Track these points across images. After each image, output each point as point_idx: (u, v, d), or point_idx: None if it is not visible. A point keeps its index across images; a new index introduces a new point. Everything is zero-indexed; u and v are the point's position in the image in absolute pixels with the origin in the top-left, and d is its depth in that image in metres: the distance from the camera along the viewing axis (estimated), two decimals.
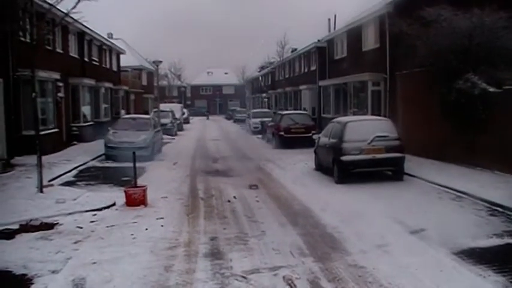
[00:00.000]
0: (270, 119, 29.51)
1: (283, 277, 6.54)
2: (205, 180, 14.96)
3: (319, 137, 16.68)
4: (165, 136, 26.67)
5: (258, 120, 34.95)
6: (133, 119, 23.08)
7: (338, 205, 11.06)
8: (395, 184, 13.52)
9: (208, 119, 68.79)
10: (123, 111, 37.19)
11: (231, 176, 15.80)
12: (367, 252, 7.52)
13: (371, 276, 6.49)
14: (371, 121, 15.25)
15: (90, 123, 28.34)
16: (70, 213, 10.26)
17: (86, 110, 28.16)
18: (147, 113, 33.52)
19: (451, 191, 12.07)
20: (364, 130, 13.88)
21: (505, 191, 11.14)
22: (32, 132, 12.53)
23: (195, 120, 61.88)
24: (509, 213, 9.77)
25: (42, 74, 19.24)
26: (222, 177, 15.55)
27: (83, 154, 20.50)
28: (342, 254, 7.49)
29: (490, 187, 11.70)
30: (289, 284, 6.30)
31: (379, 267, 6.80)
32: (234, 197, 12.22)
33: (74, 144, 24.69)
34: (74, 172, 16.62)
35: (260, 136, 31.40)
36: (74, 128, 26.04)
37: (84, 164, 18.37)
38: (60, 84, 23.63)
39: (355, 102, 25.83)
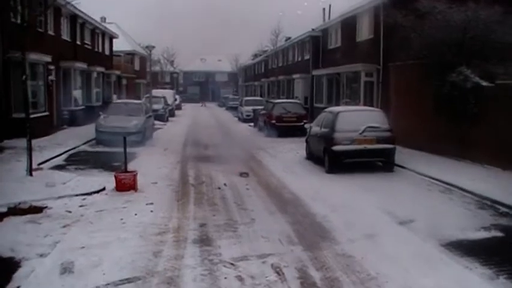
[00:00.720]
0: (262, 107, 29.45)
1: (272, 265, 6.58)
2: (196, 167, 14.94)
3: (310, 127, 16.73)
4: (156, 122, 26.55)
5: (250, 108, 34.92)
6: (125, 104, 22.96)
7: (328, 194, 11.07)
8: (385, 175, 13.57)
9: (204, 106, 68.51)
10: (114, 96, 36.99)
11: (222, 163, 15.75)
12: (355, 242, 7.56)
13: (359, 266, 6.54)
14: (363, 112, 15.30)
15: (82, 107, 28.18)
16: (59, 197, 10.22)
17: (77, 94, 27.97)
18: (139, 99, 33.37)
19: (441, 184, 12.13)
20: (356, 120, 13.90)
21: (494, 185, 11.22)
22: (22, 115, 12.41)
23: (187, 107, 61.70)
24: (497, 206, 9.84)
25: (33, 56, 19.10)
26: (212, 164, 15.54)
27: (73, 138, 20.40)
28: (330, 243, 7.52)
29: (479, 180, 11.75)
30: (277, 272, 6.33)
31: (367, 257, 6.84)
32: (225, 184, 12.21)
33: (65, 128, 24.57)
34: (64, 156, 16.55)
35: (252, 124, 31.36)
36: (65, 112, 25.89)
37: (74, 148, 18.30)
38: (52, 67, 23.45)
39: (348, 92, 25.86)
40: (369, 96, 23.02)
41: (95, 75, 31.72)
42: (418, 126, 17.15)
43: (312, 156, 16.07)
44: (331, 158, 13.87)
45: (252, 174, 13.88)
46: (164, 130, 27.79)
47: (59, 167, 14.21)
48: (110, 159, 15.34)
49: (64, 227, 8.31)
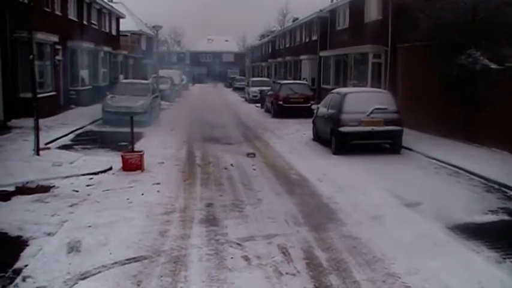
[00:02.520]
0: (269, 88, 29.36)
1: (278, 245, 6.59)
2: (203, 147, 14.94)
3: (317, 108, 16.68)
4: (163, 102, 26.56)
5: (257, 89, 34.82)
6: (132, 84, 22.92)
7: (335, 176, 11.05)
8: (392, 157, 13.54)
9: (215, 87, 68.37)
10: (121, 76, 36.90)
11: (229, 144, 15.80)
12: (362, 224, 7.57)
13: (365, 248, 6.53)
14: (370, 93, 15.23)
15: (88, 87, 28.14)
16: (66, 177, 10.24)
17: (84, 74, 27.89)
18: (145, 79, 33.25)
19: (448, 166, 12.08)
20: (364, 102, 13.85)
21: (501, 168, 11.18)
22: (29, 95, 12.44)
23: (194, 87, 61.64)
24: (505, 190, 9.79)
25: (40, 36, 19.07)
26: (219, 145, 15.55)
27: (80, 118, 20.42)
28: (336, 225, 7.52)
29: (487, 164, 11.69)
30: (283, 252, 6.34)
31: (373, 239, 6.84)
32: (231, 165, 12.19)
33: (72, 108, 24.57)
34: (71, 136, 16.59)
35: (259, 105, 31.31)
36: (72, 92, 25.89)
37: (81, 128, 18.32)
38: (59, 47, 23.38)
39: (355, 74, 25.67)
40: (376, 78, 22.87)
41: (101, 55, 31.63)
42: (426, 109, 17.03)
43: (319, 138, 16.06)
44: (338, 140, 13.86)
45: (258, 155, 13.87)
46: (171, 110, 27.73)
47: (66, 147, 14.24)
48: (117, 139, 15.32)
49: (71, 206, 8.32)
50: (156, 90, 23.62)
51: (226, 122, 22.73)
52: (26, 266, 5.80)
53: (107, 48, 32.51)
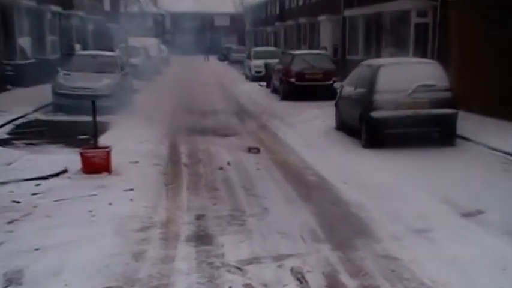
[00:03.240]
0: (278, 60, 29.47)
1: (291, 269, 6.62)
2: (191, 141, 15.10)
3: (342, 86, 16.75)
4: (135, 82, 26.58)
5: (261, 62, 34.99)
6: (93, 57, 22.97)
7: (365, 176, 11.15)
8: (443, 150, 13.55)
9: (207, 60, 68.33)
10: (78, 46, 36.76)
11: (225, 136, 16.00)
12: (402, 239, 7.61)
13: (408, 271, 6.54)
14: (413, 65, 15.25)
15: (31, 61, 28.06)
16: (2, 183, 10.22)
17: (24, 42, 27.86)
18: (111, 50, 33.15)
19: None
20: (404, 77, 13.86)
21: None
22: None
23: (177, 61, 61.42)
24: None
25: None
26: (212, 137, 15.75)
27: (20, 103, 20.45)
28: (369, 241, 7.56)
29: None
30: (299, 279, 6.36)
31: (418, 260, 6.85)
32: (228, 164, 12.34)
33: (8, 89, 24.64)
34: (9, 127, 16.67)
35: (264, 84, 31.49)
36: (8, 68, 25.75)
37: (23, 116, 18.41)
38: None
39: (393, 39, 25.65)
40: (421, 44, 22.79)
41: (48, 16, 31.47)
42: (489, 84, 17.01)
43: (344, 126, 16.20)
44: (370, 128, 13.96)
45: (264, 149, 14.00)
46: (147, 92, 27.76)
47: (1, 142, 14.26)
48: (74, 131, 15.36)
49: (10, 223, 8.26)
50: (126, 66, 23.73)
51: (221, 106, 22.83)
52: None
53: (55, 8, 32.24)
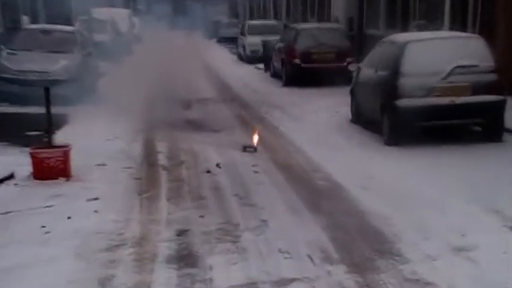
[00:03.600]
0: (279, 37, 29.27)
1: None
2: (171, 138, 14.98)
3: (359, 68, 16.61)
4: (102, 64, 26.39)
5: (258, 39, 34.80)
6: (46, 32, 22.53)
7: (388, 180, 10.99)
8: (487, 148, 13.31)
9: (190, 36, 68.27)
10: (25, 18, 36.22)
11: (213, 131, 15.92)
12: (437, 260, 7.43)
13: None
14: (449, 40, 14.96)
15: None
16: None
17: None
18: (69, 24, 32.75)
19: None
20: (437, 56, 13.64)
21: None
22: None
23: (152, 37, 61.09)
24: None
25: None
26: (197, 133, 15.67)
27: None
28: (394, 261, 7.41)
29: None
30: None
31: (457, 285, 6.73)
32: (218, 165, 12.18)
33: None
34: None
35: (261, 66, 31.50)
36: None
37: None
38: None
39: (423, 8, 25.59)
40: (459, 14, 22.59)
41: None
42: None
43: (362, 119, 16.07)
44: (394, 121, 13.72)
45: (262, 148, 13.79)
46: (115, 77, 26.91)
47: None
48: (22, 127, 15.14)
49: None
50: (90, 44, 23.58)
51: (208, 94, 22.87)
52: None
53: None
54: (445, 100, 13.32)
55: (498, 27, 18.97)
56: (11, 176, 11.00)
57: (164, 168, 12.20)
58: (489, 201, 9.51)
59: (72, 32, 22.93)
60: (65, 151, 11.15)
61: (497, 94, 13.60)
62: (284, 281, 6.87)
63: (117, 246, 7.99)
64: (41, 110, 11.69)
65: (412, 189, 10.38)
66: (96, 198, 9.94)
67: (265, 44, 31.80)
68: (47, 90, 11.40)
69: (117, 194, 10.35)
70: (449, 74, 13.36)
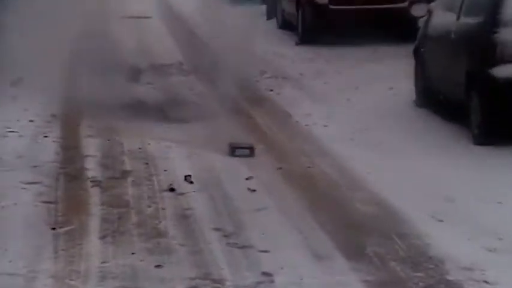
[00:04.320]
0: None
1: None
2: (108, 131, 14.29)
3: (430, 12, 16.39)
4: None
5: None
6: None
7: (480, 206, 9.91)
8: None
9: None
10: None
11: (181, 121, 15.18)
12: None
13: None
14: None
15: None
16: None
17: None
18: None
19: None
20: None
21: None
22: None
23: None
24: None
25: None
26: (154, 123, 14.97)
27: None
28: None
29: None
30: None
31: None
32: (187, 179, 11.18)
33: None
34: None
35: (261, 10, 30.73)
36: None
37: None
38: None
39: None
40: None
41: None
42: None
43: (434, 98, 15.37)
44: (491, 102, 12.77)
45: (263, 149, 13.11)
46: (14, 29, 25.50)
47: None
48: None
49: None
50: None
51: (175, 58, 22.41)
52: None
53: None
54: None
55: None
56: None
57: (96, 183, 11.15)
58: None
59: None
60: None
61: None
62: None
63: None
64: None
65: None
66: None
67: None
68: None
69: (15, 228, 9.18)
70: None
